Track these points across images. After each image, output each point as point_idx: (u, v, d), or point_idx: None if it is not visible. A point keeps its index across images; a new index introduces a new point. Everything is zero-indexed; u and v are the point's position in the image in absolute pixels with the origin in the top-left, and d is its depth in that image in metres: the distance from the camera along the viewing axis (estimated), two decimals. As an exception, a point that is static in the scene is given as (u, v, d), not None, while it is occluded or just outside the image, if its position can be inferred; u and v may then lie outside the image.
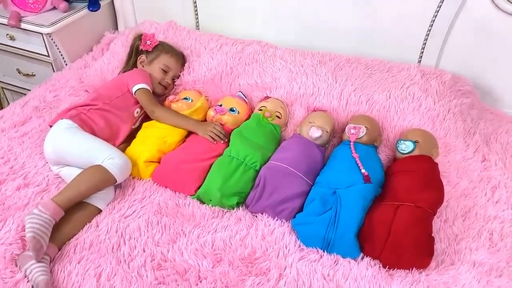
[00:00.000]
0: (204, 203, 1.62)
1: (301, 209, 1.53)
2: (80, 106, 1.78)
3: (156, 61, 2.00)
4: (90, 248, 1.42)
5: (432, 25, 1.98)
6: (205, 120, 1.90)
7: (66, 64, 2.39)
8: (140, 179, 1.70)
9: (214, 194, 1.58)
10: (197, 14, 2.41)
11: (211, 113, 1.86)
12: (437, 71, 1.94)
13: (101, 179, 1.54)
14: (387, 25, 2.05)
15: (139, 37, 2.04)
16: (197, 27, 2.44)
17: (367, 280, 1.34)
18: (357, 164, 1.56)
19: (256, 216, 1.56)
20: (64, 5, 2.34)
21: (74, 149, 1.63)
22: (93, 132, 1.72)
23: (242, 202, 1.62)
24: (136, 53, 2.05)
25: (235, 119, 1.84)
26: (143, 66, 2.01)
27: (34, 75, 2.47)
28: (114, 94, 1.85)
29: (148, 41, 2.01)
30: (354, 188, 1.49)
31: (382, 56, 2.07)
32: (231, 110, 1.85)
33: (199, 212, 1.56)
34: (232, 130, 1.80)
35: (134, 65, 2.04)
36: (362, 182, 1.51)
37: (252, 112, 1.89)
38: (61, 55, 2.38)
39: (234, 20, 2.32)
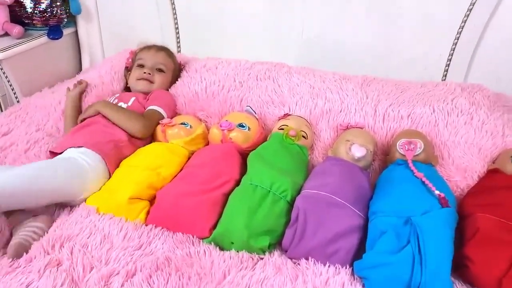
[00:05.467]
0: (222, 248, 1.18)
1: (359, 249, 1.14)
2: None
3: (133, 65, 1.82)
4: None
5: (458, 37, 1.74)
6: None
7: (18, 102, 1.93)
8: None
9: (239, 233, 1.15)
10: (179, 42, 2.10)
11: (214, 130, 1.47)
12: (475, 86, 1.65)
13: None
14: (405, 41, 1.80)
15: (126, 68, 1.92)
16: (180, 55, 2.12)
17: None
18: (426, 185, 1.19)
19: (299, 264, 1.14)
20: (18, 29, 1.96)
21: None
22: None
23: (274, 244, 1.20)
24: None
25: (246, 136, 1.46)
26: (129, 78, 1.82)
27: (-28, 118, 1.99)
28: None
29: (129, 59, 1.89)
30: (432, 214, 1.10)
31: (400, 77, 1.79)
32: (240, 125, 1.47)
33: (221, 263, 1.10)
34: (244, 150, 1.43)
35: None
36: (439, 206, 1.14)
37: (264, 131, 1.54)
38: (12, 89, 1.94)
39: (224, 45, 2.01)
